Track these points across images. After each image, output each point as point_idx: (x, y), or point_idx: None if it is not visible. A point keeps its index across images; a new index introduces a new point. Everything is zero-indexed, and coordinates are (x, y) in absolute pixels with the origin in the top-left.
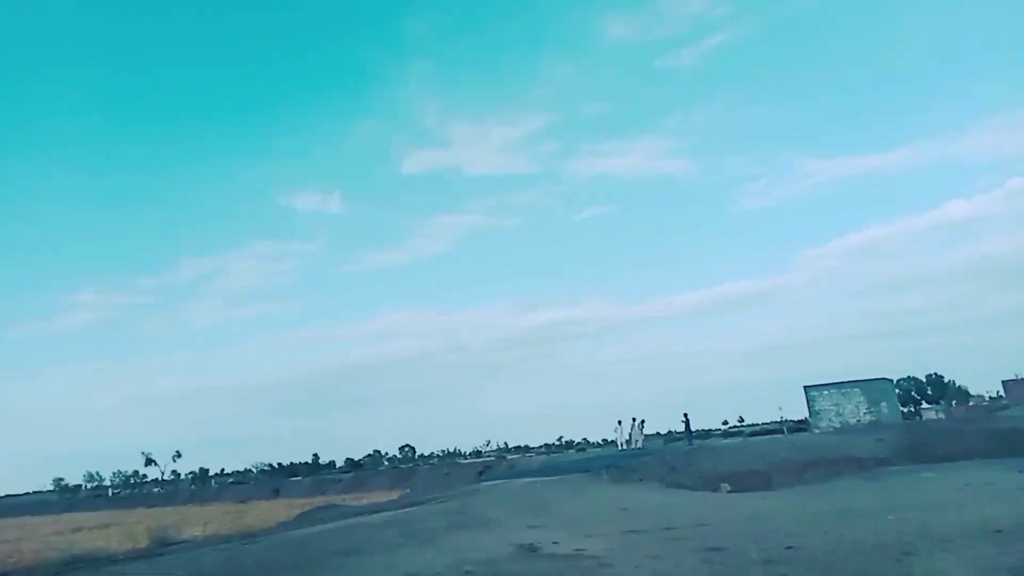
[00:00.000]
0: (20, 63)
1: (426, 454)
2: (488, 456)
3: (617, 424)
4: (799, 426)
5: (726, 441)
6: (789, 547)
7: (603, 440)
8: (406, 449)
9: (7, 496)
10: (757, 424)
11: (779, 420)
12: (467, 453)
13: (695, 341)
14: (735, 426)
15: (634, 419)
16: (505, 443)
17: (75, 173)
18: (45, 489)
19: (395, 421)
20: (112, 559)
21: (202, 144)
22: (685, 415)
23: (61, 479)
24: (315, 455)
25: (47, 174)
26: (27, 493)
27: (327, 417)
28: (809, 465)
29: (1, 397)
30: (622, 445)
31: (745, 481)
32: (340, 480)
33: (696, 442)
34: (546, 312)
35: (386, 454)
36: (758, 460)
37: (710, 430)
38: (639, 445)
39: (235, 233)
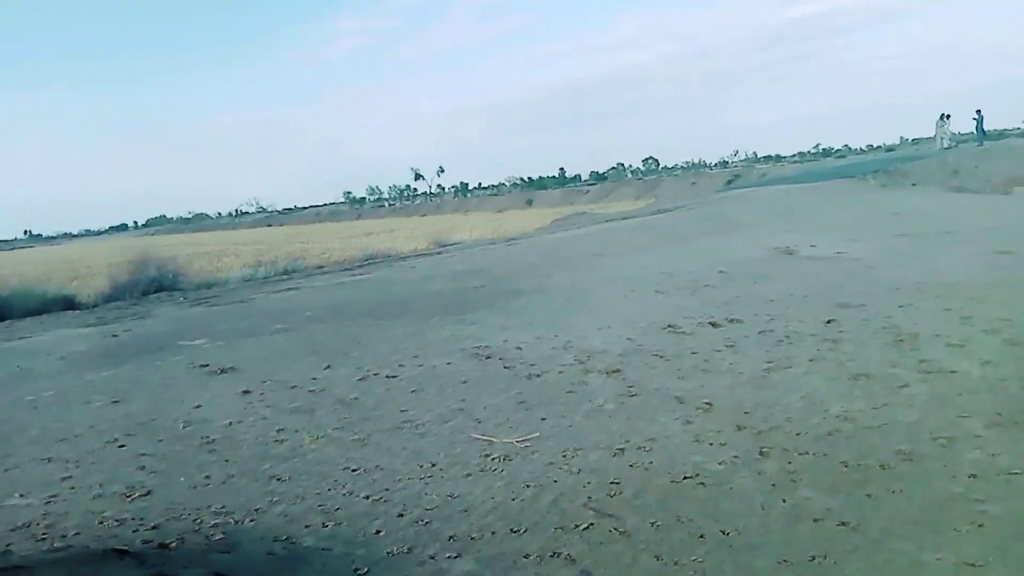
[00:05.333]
0: None
1: (670, 166)
2: (736, 166)
3: (940, 118)
4: None
5: None
6: None
7: (867, 146)
8: (649, 161)
9: (310, 207)
10: None
11: None
12: (713, 164)
13: (1001, 23)
14: None
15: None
16: (754, 153)
17: None
18: (338, 201)
19: (638, 134)
20: (401, 256)
21: None
22: (977, 111)
23: (349, 192)
24: (561, 169)
25: None
26: (324, 204)
27: (571, 132)
28: None
29: (295, 122)
30: (944, 144)
31: None
32: (587, 191)
33: (988, 143)
34: (809, 3)
35: (630, 166)
36: None
37: (1006, 130)
38: (946, 145)
39: None
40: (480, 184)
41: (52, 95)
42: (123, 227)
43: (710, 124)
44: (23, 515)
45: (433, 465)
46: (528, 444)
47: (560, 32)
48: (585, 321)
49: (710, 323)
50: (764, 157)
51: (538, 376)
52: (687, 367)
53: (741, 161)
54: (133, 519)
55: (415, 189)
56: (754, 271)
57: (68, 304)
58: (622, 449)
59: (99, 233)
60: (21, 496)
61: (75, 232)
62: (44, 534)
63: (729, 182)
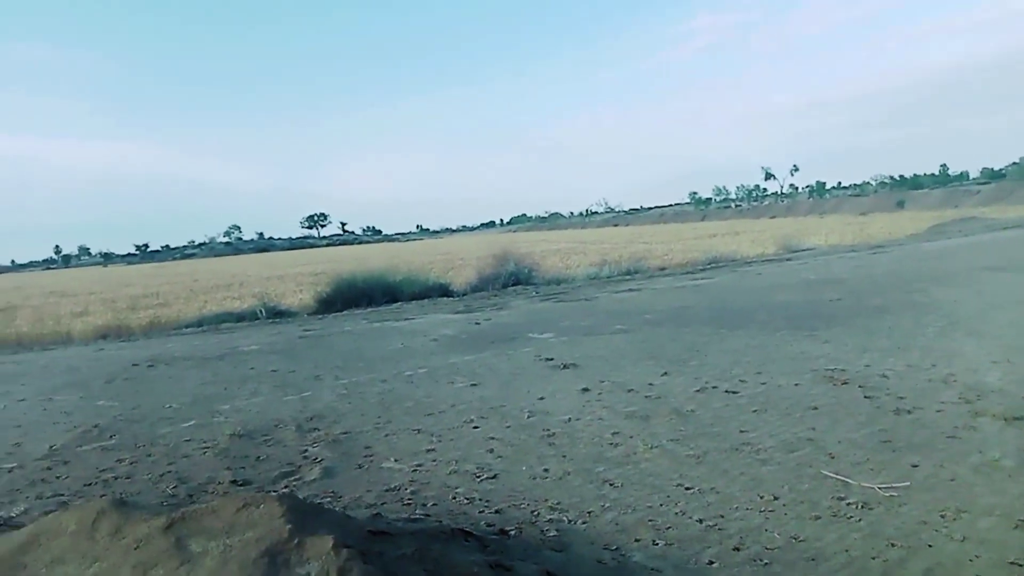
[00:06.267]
0: None
1: None
2: None
3: None
4: None
5: None
6: None
7: None
8: None
9: (655, 207)
10: None
11: None
12: None
13: None
14: None
15: None
16: None
17: None
18: (683, 201)
19: None
20: (746, 261)
21: None
22: None
23: (695, 192)
24: (943, 166)
25: None
26: (669, 205)
27: (956, 122)
28: None
29: (644, 123)
30: None
31: None
32: (977, 192)
33: None
34: None
35: None
36: None
37: None
38: None
39: None
40: (839, 183)
41: (437, 111)
42: (491, 224)
43: None
44: (395, 479)
45: (775, 498)
46: (894, 493)
47: (938, 9)
48: (974, 350)
49: None
50: None
51: (909, 412)
52: None
53: None
54: (480, 499)
55: (764, 189)
56: None
57: (443, 291)
58: None
59: (472, 229)
60: (395, 461)
61: (454, 227)
62: (409, 500)
63: None
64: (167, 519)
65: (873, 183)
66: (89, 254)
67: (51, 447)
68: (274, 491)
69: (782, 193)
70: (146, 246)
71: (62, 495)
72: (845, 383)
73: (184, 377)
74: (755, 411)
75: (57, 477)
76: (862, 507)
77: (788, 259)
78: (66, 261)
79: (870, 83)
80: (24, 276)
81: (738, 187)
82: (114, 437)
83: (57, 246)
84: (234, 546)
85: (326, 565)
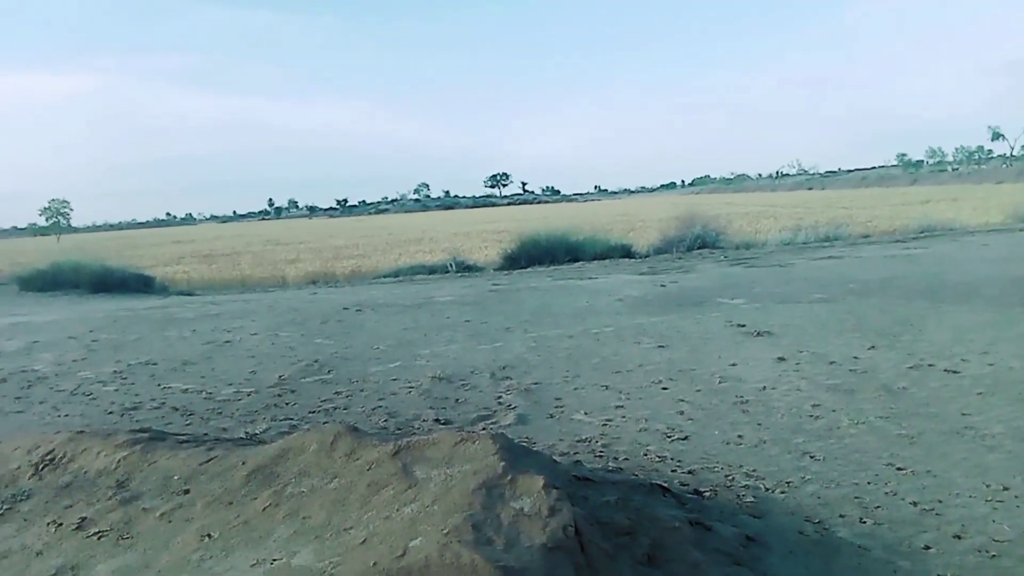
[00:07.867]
0: None
1: None
2: None
3: None
4: None
5: None
6: None
7: None
8: None
9: (855, 170)
10: None
11: None
12: None
13: None
14: None
15: None
16: None
17: None
18: (888, 164)
19: None
20: (967, 230)
21: None
22: None
23: (904, 154)
24: None
25: None
26: (871, 168)
27: None
28: None
29: (843, 80)
30: None
31: None
32: None
33: None
34: None
35: None
36: None
37: None
38: None
39: None
40: None
41: (619, 70)
42: (671, 185)
43: None
44: (586, 431)
45: (1005, 489)
46: None
47: None
48: None
49: None
50: None
51: None
52: None
53: None
54: (672, 459)
55: (990, 151)
56: None
57: (625, 252)
58: None
59: (651, 190)
60: (585, 414)
61: (632, 188)
62: (601, 452)
63: None
64: (394, 446)
65: None
66: (297, 207)
67: (280, 377)
68: (473, 431)
69: (1012, 156)
70: (345, 201)
71: (292, 419)
72: None
73: (388, 322)
74: (980, 393)
75: (287, 404)
76: None
77: (1022, 229)
78: (278, 213)
79: None
80: (243, 225)
81: (957, 148)
82: (331, 372)
83: (270, 199)
84: (454, 476)
85: (537, 502)
